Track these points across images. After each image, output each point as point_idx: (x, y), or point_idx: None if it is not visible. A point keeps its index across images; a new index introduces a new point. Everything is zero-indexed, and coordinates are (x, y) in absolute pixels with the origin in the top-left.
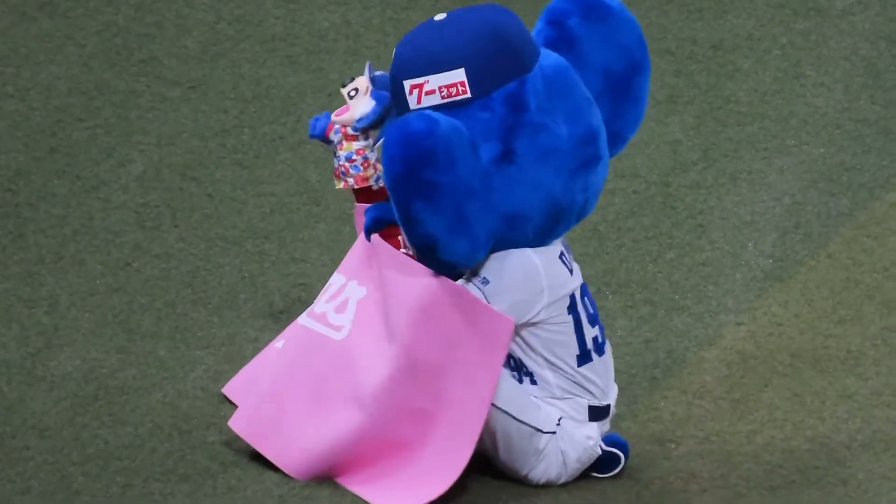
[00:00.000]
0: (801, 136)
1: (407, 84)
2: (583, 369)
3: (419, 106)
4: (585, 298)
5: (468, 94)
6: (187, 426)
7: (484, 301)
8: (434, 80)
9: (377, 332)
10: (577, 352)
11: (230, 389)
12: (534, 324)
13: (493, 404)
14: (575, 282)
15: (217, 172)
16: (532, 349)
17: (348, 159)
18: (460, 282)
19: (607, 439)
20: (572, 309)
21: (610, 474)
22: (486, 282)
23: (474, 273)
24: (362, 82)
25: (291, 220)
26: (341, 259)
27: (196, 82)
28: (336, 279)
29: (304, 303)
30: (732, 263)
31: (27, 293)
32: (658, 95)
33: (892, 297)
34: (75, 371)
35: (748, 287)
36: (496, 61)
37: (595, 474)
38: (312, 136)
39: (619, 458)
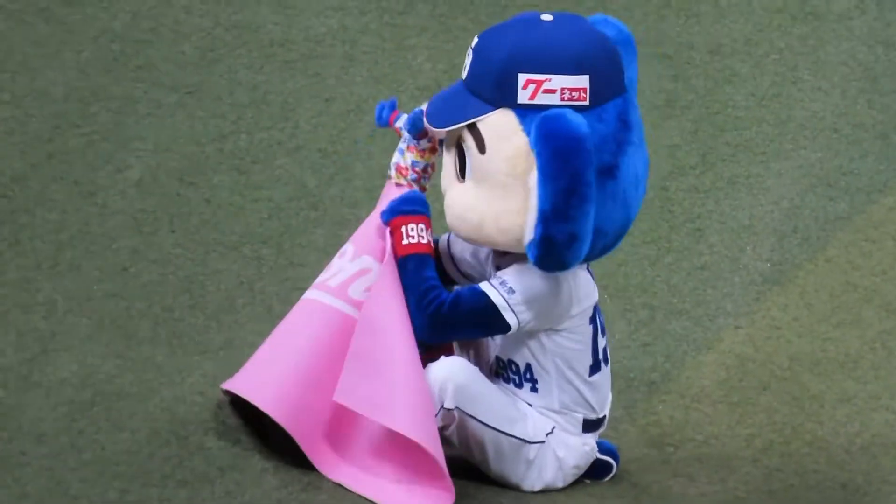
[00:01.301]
0: (798, 141)
1: (522, 77)
2: (591, 379)
3: (531, 101)
4: (599, 308)
5: (586, 102)
6: (185, 431)
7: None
8: (557, 80)
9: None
10: (591, 362)
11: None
12: (557, 330)
13: (479, 420)
14: (597, 292)
15: (214, 178)
16: (549, 355)
17: (425, 169)
18: (484, 285)
19: (599, 447)
20: (594, 319)
21: (603, 481)
22: (511, 291)
23: (499, 280)
24: None
25: (289, 225)
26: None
27: (193, 88)
28: (362, 259)
29: None
30: (731, 267)
31: (24, 299)
32: (655, 100)
33: (890, 301)
34: (72, 376)
35: (746, 291)
36: (612, 75)
37: (587, 480)
38: (380, 122)
39: (611, 465)
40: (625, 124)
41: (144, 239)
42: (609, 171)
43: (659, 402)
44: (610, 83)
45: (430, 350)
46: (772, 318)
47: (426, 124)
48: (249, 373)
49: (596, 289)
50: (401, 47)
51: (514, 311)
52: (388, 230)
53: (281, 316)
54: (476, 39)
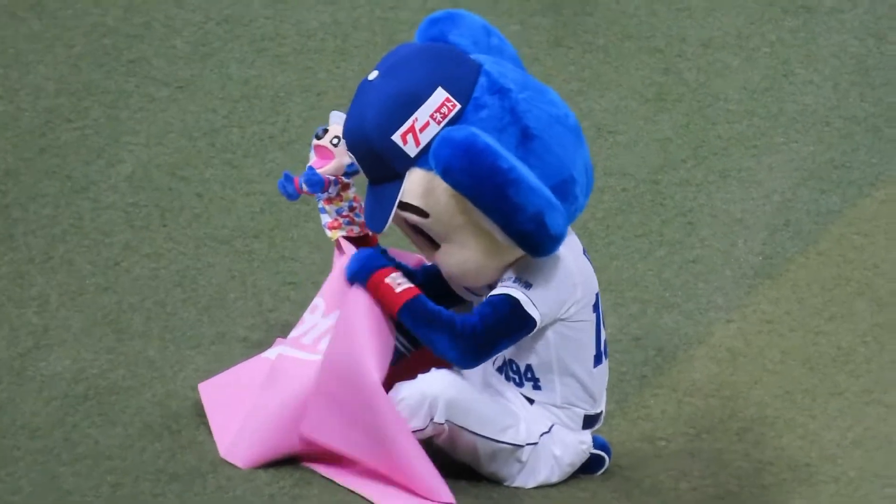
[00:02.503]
0: (790, 134)
1: (397, 137)
2: (595, 371)
3: (420, 147)
4: (600, 299)
5: (458, 106)
6: (177, 426)
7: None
8: (422, 114)
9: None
10: (594, 352)
11: (206, 391)
12: (562, 320)
13: (470, 431)
14: (596, 281)
15: (206, 172)
16: (551, 352)
17: (350, 207)
18: (501, 287)
19: (592, 441)
20: (596, 308)
21: (595, 475)
22: (528, 285)
23: (511, 279)
24: (339, 130)
25: (281, 219)
26: (330, 258)
27: (185, 82)
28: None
29: (294, 301)
30: (722, 261)
31: (17, 293)
32: (647, 93)
33: (882, 294)
34: (65, 371)
35: (738, 284)
36: (456, 66)
37: (579, 475)
38: (292, 198)
39: (603, 459)
40: (502, 92)
41: (136, 233)
42: (525, 135)
43: (651, 396)
44: (461, 73)
45: (407, 360)
46: (763, 311)
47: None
48: (240, 438)
49: (595, 277)
50: (392, 42)
51: (534, 305)
52: (362, 290)
53: (272, 310)
54: (343, 142)
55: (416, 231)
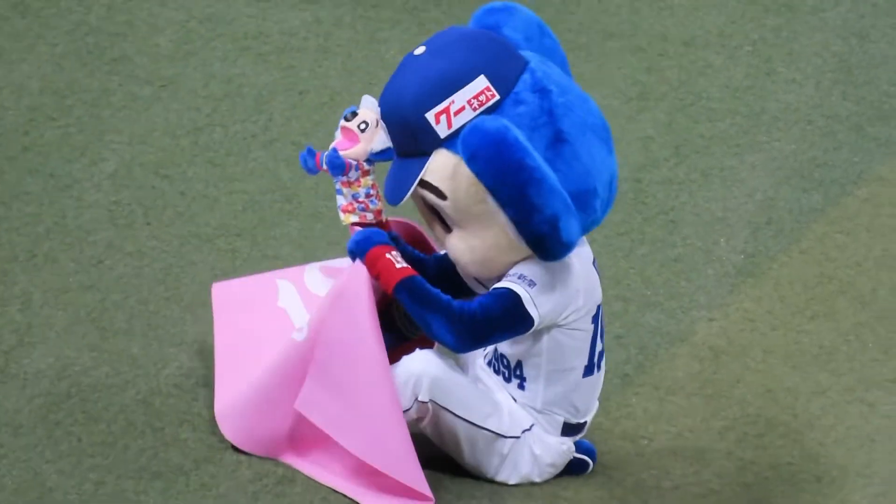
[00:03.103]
0: (772, 133)
1: (430, 115)
2: (584, 381)
3: (451, 130)
4: (602, 311)
5: (497, 97)
6: (160, 423)
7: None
8: (459, 98)
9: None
10: (586, 363)
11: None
12: (559, 325)
13: (453, 413)
14: (601, 292)
15: (189, 170)
16: (543, 353)
17: (367, 194)
18: (505, 281)
19: (577, 446)
20: (595, 319)
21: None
22: (532, 284)
23: (517, 275)
24: (370, 115)
25: (264, 217)
26: (313, 256)
27: (167, 81)
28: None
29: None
30: (704, 259)
31: (0, 291)
32: (629, 92)
33: (864, 293)
34: (48, 369)
35: (720, 283)
36: (503, 58)
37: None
38: (311, 172)
39: (587, 464)
40: (543, 92)
41: (119, 231)
42: (557, 138)
43: (633, 395)
44: (507, 66)
45: (405, 342)
46: (745, 310)
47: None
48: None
49: (600, 288)
50: (374, 40)
51: (535, 304)
52: (362, 264)
53: None
54: (379, 110)
55: (432, 211)
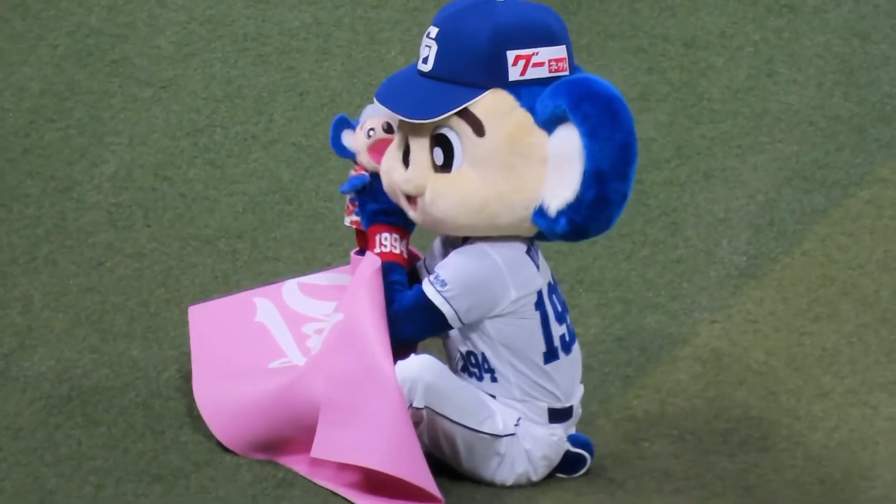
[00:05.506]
0: (774, 134)
1: (511, 54)
2: (548, 367)
3: (522, 77)
4: (553, 296)
5: (567, 72)
6: (160, 426)
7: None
8: (544, 53)
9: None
10: (544, 349)
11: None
12: (499, 316)
13: (450, 419)
14: (542, 278)
15: (189, 172)
16: (496, 342)
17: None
18: (425, 280)
19: (572, 440)
20: (539, 305)
21: (577, 475)
22: (443, 284)
23: (431, 272)
24: (374, 122)
25: (264, 219)
26: (314, 258)
27: (168, 82)
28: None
29: None
30: (706, 261)
31: (0, 294)
32: (630, 93)
33: (867, 294)
34: (49, 371)
35: (722, 285)
36: (570, 43)
37: (561, 475)
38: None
39: (584, 458)
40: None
41: (120, 234)
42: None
43: (634, 397)
44: (571, 50)
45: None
46: (748, 312)
47: (407, 120)
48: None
49: (541, 276)
50: (374, 41)
51: (449, 303)
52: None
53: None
54: (435, 29)
55: (435, 146)
